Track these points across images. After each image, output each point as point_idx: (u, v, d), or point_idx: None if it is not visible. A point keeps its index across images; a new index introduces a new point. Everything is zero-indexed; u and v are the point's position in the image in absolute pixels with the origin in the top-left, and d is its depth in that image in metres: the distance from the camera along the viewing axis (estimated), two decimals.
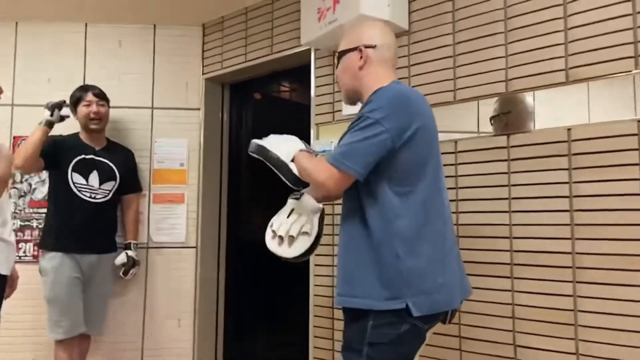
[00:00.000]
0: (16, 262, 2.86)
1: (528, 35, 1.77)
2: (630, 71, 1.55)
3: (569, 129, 1.66)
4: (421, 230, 1.35)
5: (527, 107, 1.78)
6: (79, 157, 2.64)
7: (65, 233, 2.55)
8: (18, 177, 2.99)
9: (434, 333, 1.86)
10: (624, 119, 1.56)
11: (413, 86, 2.07)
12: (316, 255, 2.41)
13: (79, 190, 2.61)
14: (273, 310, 3.04)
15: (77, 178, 2.62)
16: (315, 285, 2.40)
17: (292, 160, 1.48)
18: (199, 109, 3.06)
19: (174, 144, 3.05)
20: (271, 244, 1.56)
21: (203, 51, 3.10)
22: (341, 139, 1.41)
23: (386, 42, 1.50)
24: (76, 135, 2.74)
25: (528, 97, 1.77)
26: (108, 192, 2.69)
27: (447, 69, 1.98)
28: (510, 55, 1.81)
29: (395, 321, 1.30)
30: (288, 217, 1.54)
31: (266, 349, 3.11)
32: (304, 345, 2.42)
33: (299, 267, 2.45)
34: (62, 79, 3.05)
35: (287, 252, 1.51)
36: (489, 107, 1.86)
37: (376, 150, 1.32)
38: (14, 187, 2.98)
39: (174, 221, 3.00)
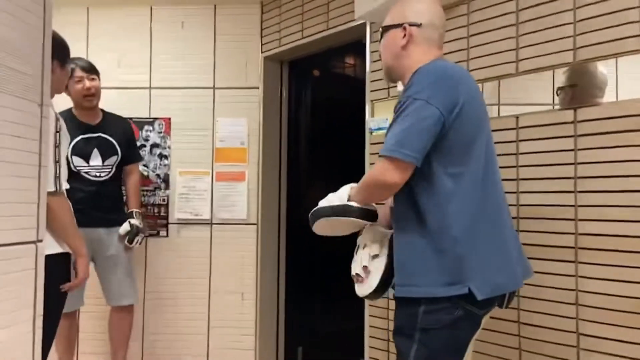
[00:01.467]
0: None
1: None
2: None
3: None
4: (477, 211, 1.31)
5: (597, 79, 1.62)
6: (76, 140, 2.59)
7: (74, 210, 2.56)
8: None
9: (491, 317, 1.80)
10: None
11: (472, 58, 1.96)
12: None
13: (83, 173, 2.60)
14: (332, 284, 3.05)
15: (78, 161, 2.59)
16: None
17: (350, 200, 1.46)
18: (258, 88, 3.08)
19: (234, 122, 3.10)
20: (356, 288, 1.50)
21: (262, 29, 3.10)
22: (390, 128, 1.34)
23: (433, 21, 1.42)
24: (69, 112, 2.66)
25: (598, 71, 1.61)
26: (111, 167, 2.68)
27: (509, 38, 1.84)
28: (579, 21, 1.65)
29: (449, 307, 1.28)
30: (356, 253, 1.51)
31: (326, 321, 3.15)
32: (362, 317, 2.41)
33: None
34: (131, 61, 3.18)
35: (367, 286, 1.44)
36: (555, 80, 1.72)
37: (430, 131, 1.26)
38: None
39: (236, 198, 3.07)
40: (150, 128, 3.14)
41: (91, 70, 2.65)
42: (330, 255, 3.09)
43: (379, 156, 1.32)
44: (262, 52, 3.09)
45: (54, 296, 1.53)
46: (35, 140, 1.28)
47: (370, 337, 2.35)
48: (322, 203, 1.49)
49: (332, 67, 3.07)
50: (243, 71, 3.12)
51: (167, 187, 3.12)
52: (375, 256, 1.42)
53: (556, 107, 1.71)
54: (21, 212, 1.23)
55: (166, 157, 3.14)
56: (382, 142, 2.19)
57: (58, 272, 1.79)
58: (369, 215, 1.44)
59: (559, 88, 1.71)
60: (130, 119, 3.11)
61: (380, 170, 1.30)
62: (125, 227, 2.69)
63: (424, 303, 1.29)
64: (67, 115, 2.63)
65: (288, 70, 3.21)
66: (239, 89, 3.11)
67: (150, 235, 3.09)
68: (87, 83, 2.59)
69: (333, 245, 3.08)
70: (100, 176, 2.64)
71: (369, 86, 2.41)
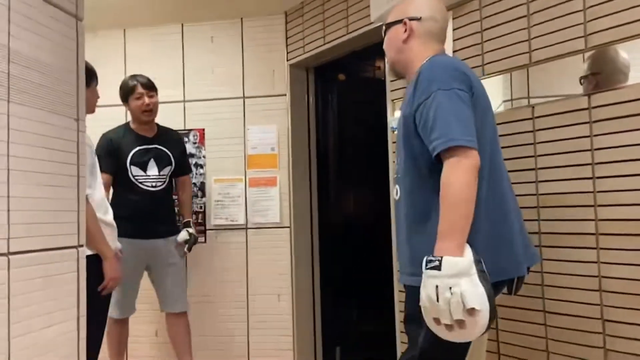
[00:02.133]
0: None
1: None
2: None
3: None
4: (484, 199, 1.33)
5: (620, 64, 1.61)
6: (134, 150, 2.73)
7: (130, 221, 2.57)
8: None
9: (517, 307, 1.81)
10: None
11: (486, 51, 1.98)
12: None
13: (140, 182, 2.72)
14: (366, 284, 3.10)
15: (136, 171, 2.72)
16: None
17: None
18: (285, 95, 3.18)
19: (264, 130, 3.21)
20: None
21: (286, 38, 3.20)
22: (426, 125, 1.30)
23: (433, 15, 1.47)
24: (127, 126, 2.83)
25: (620, 55, 1.60)
26: (165, 176, 2.80)
27: (521, 29, 1.86)
28: (589, 7, 1.65)
29: None
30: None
31: (363, 321, 3.19)
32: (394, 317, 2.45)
33: (388, 244, 2.48)
34: (165, 77, 3.34)
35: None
36: (567, 68, 1.72)
37: (470, 112, 1.28)
38: None
39: (269, 203, 3.17)
40: (186, 139, 3.29)
41: (150, 87, 2.80)
42: (363, 255, 3.15)
43: (435, 156, 1.27)
44: (287, 60, 3.19)
45: (94, 296, 1.65)
46: (73, 152, 1.40)
47: (402, 342, 2.38)
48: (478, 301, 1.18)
49: (355, 71, 3.14)
50: (270, 80, 3.23)
51: (203, 195, 3.26)
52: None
53: (560, 97, 1.72)
54: (63, 219, 1.35)
55: (202, 166, 3.28)
56: None
57: (93, 273, 1.91)
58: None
59: (582, 77, 1.70)
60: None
61: (456, 160, 1.22)
62: (183, 236, 2.82)
63: None
64: (125, 128, 2.83)
65: (314, 77, 3.30)
66: (267, 97, 3.22)
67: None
68: (147, 99, 2.74)
69: (365, 245, 3.14)
70: (156, 186, 2.75)
71: (389, 86, 2.46)
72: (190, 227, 2.87)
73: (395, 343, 2.41)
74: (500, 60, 1.92)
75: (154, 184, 2.74)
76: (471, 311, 1.16)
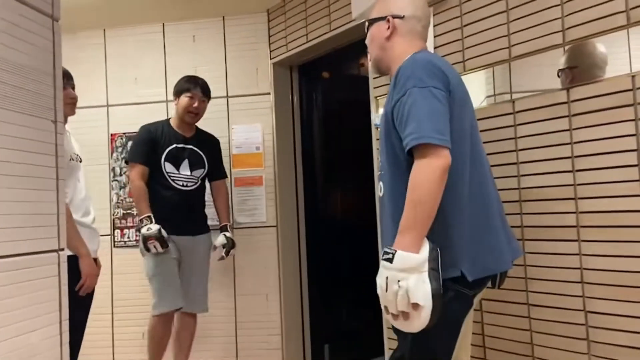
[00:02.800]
0: (121, 246, 3.23)
1: None
2: None
3: (632, 76, 1.51)
4: (466, 195, 1.34)
5: (597, 58, 1.63)
6: (170, 147, 2.74)
7: (163, 217, 2.65)
8: (118, 171, 3.31)
9: (501, 301, 1.83)
10: None
11: (467, 47, 1.99)
12: None
13: (172, 180, 2.72)
14: (353, 282, 3.11)
15: (170, 167, 2.73)
16: None
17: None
18: (269, 93, 3.17)
19: (249, 129, 3.20)
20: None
21: (269, 36, 3.19)
22: (401, 122, 1.31)
23: (416, 13, 1.48)
24: (167, 122, 2.84)
25: (597, 49, 1.62)
26: (197, 178, 2.80)
27: (500, 25, 1.87)
28: (566, 2, 1.67)
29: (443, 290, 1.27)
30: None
31: (351, 318, 3.20)
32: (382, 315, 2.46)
33: (375, 242, 2.49)
34: (147, 76, 3.32)
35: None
36: (547, 62, 1.74)
37: (445, 110, 1.28)
38: (115, 180, 3.31)
39: (255, 202, 3.17)
40: None
41: (205, 93, 2.80)
42: (351, 253, 3.16)
43: (407, 151, 1.29)
44: (271, 59, 3.18)
45: (72, 298, 1.64)
46: (52, 155, 1.38)
47: (390, 338, 2.39)
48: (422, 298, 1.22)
49: (339, 68, 3.14)
50: (254, 78, 3.22)
51: None
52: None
53: (538, 91, 1.74)
54: (43, 222, 1.33)
55: None
56: None
57: (70, 274, 1.89)
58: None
59: (559, 70, 1.73)
60: (153, 124, 3.24)
61: (426, 161, 1.23)
62: (222, 240, 2.82)
63: None
64: (165, 123, 2.82)
65: (298, 75, 3.30)
66: (251, 95, 3.21)
67: None
68: (197, 103, 2.74)
69: (353, 243, 3.14)
70: (186, 186, 2.75)
71: (372, 83, 2.47)
72: (227, 231, 2.86)
73: (383, 341, 2.42)
74: (481, 55, 1.94)
75: (184, 183, 2.74)
76: (415, 306, 1.20)
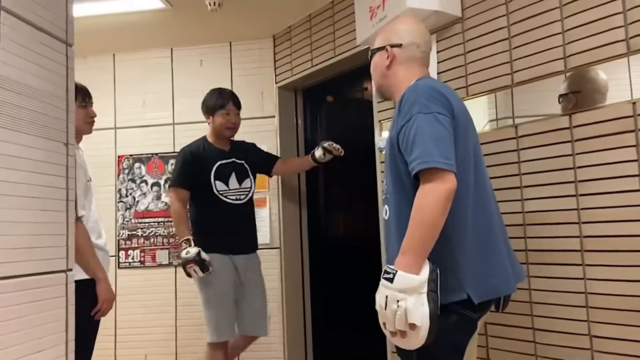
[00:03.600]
0: (125, 267, 3.24)
1: (584, 8, 1.66)
2: None
3: (633, 103, 1.53)
4: (470, 218, 1.35)
5: (598, 84, 1.66)
6: (217, 165, 2.66)
7: (218, 236, 2.57)
8: (124, 192, 3.34)
9: (506, 325, 1.83)
10: None
11: (470, 73, 2.03)
12: None
13: (224, 196, 2.64)
14: (357, 304, 3.09)
15: (220, 185, 2.65)
16: None
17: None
18: (274, 116, 3.22)
19: None
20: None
21: (275, 61, 3.25)
22: (407, 148, 1.32)
23: (414, 41, 1.51)
24: (206, 140, 2.76)
25: (599, 75, 1.65)
26: (247, 190, 2.72)
27: (503, 52, 1.91)
28: (567, 30, 1.71)
29: (445, 313, 1.28)
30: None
31: (352, 341, 3.17)
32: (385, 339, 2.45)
33: (379, 265, 2.49)
34: (155, 100, 3.38)
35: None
36: (549, 88, 1.77)
37: (450, 134, 1.30)
38: (121, 201, 3.34)
39: (259, 224, 3.16)
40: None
41: (239, 106, 2.75)
42: (354, 276, 3.15)
43: (413, 175, 1.30)
44: (276, 83, 3.23)
45: (83, 321, 1.64)
46: (62, 176, 1.41)
47: None
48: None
49: (343, 92, 3.18)
50: (259, 102, 3.27)
51: None
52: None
53: (541, 116, 1.77)
54: (51, 243, 1.35)
55: None
56: None
57: (84, 297, 1.89)
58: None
59: (561, 95, 1.75)
60: (156, 154, 3.30)
61: (432, 185, 1.24)
62: (319, 153, 2.67)
63: None
64: (204, 142, 2.75)
65: (302, 98, 3.34)
66: (256, 118, 3.25)
67: (179, 264, 3.21)
68: (233, 118, 2.70)
69: (356, 265, 3.14)
70: (239, 199, 2.67)
71: (376, 107, 2.50)
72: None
73: None
74: (484, 81, 1.97)
75: (237, 197, 2.67)
76: (412, 325, 1.22)
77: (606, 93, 1.64)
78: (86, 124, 2.12)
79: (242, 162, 2.74)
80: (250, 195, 2.72)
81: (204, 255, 2.46)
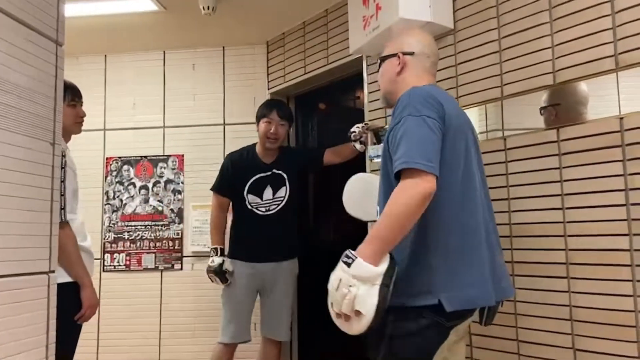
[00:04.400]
0: (110, 270, 3.21)
1: (574, 23, 1.68)
2: None
3: (621, 118, 1.55)
4: (453, 225, 1.35)
5: (580, 96, 1.68)
6: (253, 179, 2.67)
7: (244, 244, 2.66)
8: (111, 194, 3.32)
9: (491, 336, 1.83)
10: None
11: (461, 85, 2.04)
12: None
13: (255, 208, 2.66)
14: None
15: (252, 198, 2.66)
16: None
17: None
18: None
19: None
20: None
21: (268, 67, 3.25)
22: (393, 148, 1.35)
23: (424, 51, 1.56)
24: (253, 148, 2.77)
25: (579, 88, 1.68)
26: (281, 199, 2.69)
27: (493, 64, 1.93)
28: (557, 45, 1.73)
29: (415, 316, 1.31)
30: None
31: (339, 348, 3.16)
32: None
33: None
34: (145, 103, 3.36)
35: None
36: (539, 101, 1.79)
37: (437, 139, 1.32)
38: (108, 203, 3.31)
39: None
40: (165, 165, 3.29)
41: (283, 116, 2.70)
42: None
43: (395, 175, 1.30)
44: (268, 89, 3.23)
45: (65, 324, 1.61)
46: (48, 176, 1.39)
47: None
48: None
49: (335, 100, 3.19)
50: (251, 107, 3.25)
51: (181, 221, 3.24)
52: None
53: (530, 129, 1.79)
54: (34, 244, 1.32)
55: (180, 192, 3.27)
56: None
57: (68, 300, 1.87)
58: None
59: (542, 108, 1.78)
60: (145, 157, 3.28)
61: (410, 182, 1.25)
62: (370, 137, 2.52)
63: (392, 312, 1.30)
64: (250, 150, 2.76)
65: (294, 105, 3.34)
66: (247, 124, 3.24)
67: (165, 268, 3.20)
68: (274, 128, 2.64)
69: None
70: (269, 210, 2.66)
71: (367, 115, 2.51)
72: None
73: None
74: (475, 93, 1.99)
75: (267, 207, 2.67)
76: (357, 312, 1.25)
77: (587, 104, 1.67)
78: (75, 124, 2.10)
79: (282, 172, 2.71)
80: (282, 204, 2.68)
81: (226, 266, 2.57)
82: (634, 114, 1.53)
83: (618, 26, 1.57)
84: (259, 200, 2.66)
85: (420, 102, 1.35)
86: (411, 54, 1.55)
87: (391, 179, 1.37)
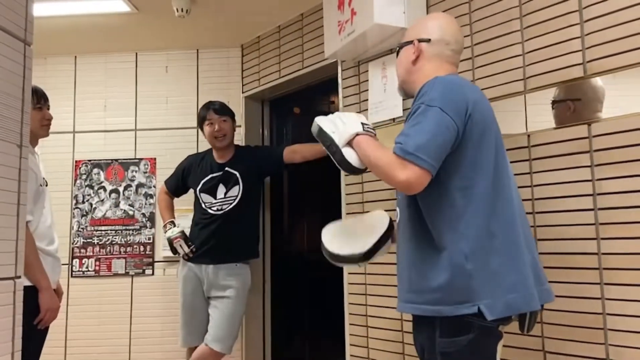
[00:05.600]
0: (79, 276, 3.14)
1: (544, 31, 1.72)
2: None
3: (588, 124, 1.59)
4: (487, 228, 1.27)
5: (599, 93, 1.59)
6: (205, 179, 2.69)
7: (194, 244, 2.64)
8: (80, 198, 3.24)
9: (517, 347, 1.72)
10: None
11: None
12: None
13: (208, 208, 2.67)
14: (316, 316, 3.08)
15: (206, 198, 2.68)
16: (350, 293, 2.42)
17: (350, 144, 1.39)
18: (240, 126, 3.19)
19: None
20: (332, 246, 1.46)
21: (242, 71, 3.24)
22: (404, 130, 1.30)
23: (444, 37, 1.44)
24: (211, 150, 2.78)
25: (599, 84, 1.59)
26: (234, 198, 2.65)
27: (466, 70, 1.96)
28: (527, 53, 1.77)
29: (463, 327, 1.24)
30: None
31: (311, 354, 3.15)
32: (344, 350, 2.44)
33: (339, 275, 2.49)
34: (117, 105, 3.30)
35: (361, 244, 1.39)
36: (510, 108, 1.82)
37: (448, 143, 1.25)
38: (77, 207, 3.23)
39: None
40: (136, 168, 3.23)
41: (223, 112, 2.69)
42: (316, 289, 3.14)
43: (394, 152, 1.26)
44: (243, 92, 3.22)
45: (26, 330, 1.57)
46: (15, 179, 1.35)
47: None
48: (327, 126, 1.45)
49: (310, 104, 3.19)
50: None
51: (152, 225, 3.19)
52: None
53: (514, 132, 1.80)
54: (1, 249, 1.28)
55: (151, 196, 3.21)
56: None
57: (27, 305, 1.81)
58: (358, 172, 1.44)
59: (554, 102, 1.70)
60: (116, 160, 3.22)
61: (401, 169, 1.23)
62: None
63: (438, 325, 1.27)
64: (207, 153, 2.81)
65: (269, 109, 3.34)
66: None
67: (136, 274, 3.14)
68: (217, 125, 2.65)
69: (318, 278, 3.13)
70: (222, 209, 2.64)
71: None
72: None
73: None
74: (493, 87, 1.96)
75: (219, 207, 2.65)
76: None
77: (603, 101, 1.59)
78: (42, 127, 2.07)
79: (234, 171, 2.68)
80: (235, 203, 2.64)
81: (186, 232, 2.69)
82: (601, 121, 1.57)
83: (587, 35, 1.61)
84: (212, 199, 2.67)
85: (440, 92, 1.28)
86: (427, 40, 1.44)
87: None
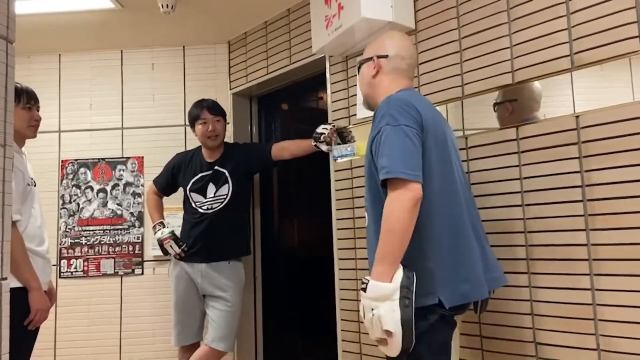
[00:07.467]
0: (67, 277, 3.10)
1: (531, 24, 1.72)
2: (637, 51, 1.48)
3: (577, 116, 1.60)
4: (441, 225, 1.39)
5: (534, 93, 1.73)
6: (195, 178, 2.67)
7: (185, 243, 2.61)
8: (67, 198, 3.20)
9: (506, 340, 1.78)
10: (631, 102, 1.49)
11: (422, 84, 2.07)
12: (340, 259, 2.42)
13: (198, 207, 2.64)
14: (308, 312, 3.07)
15: (196, 197, 2.65)
16: (341, 289, 2.41)
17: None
18: (228, 123, 3.16)
19: None
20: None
21: (229, 67, 3.21)
22: (375, 159, 1.39)
23: (400, 53, 1.58)
24: (200, 148, 2.75)
25: (535, 85, 1.72)
26: (223, 197, 2.63)
27: (454, 64, 1.96)
28: (515, 45, 1.77)
29: (424, 314, 1.34)
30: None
31: (303, 350, 3.15)
32: (336, 346, 2.43)
33: (330, 271, 2.48)
34: (103, 103, 3.26)
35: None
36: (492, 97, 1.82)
37: (419, 150, 1.36)
38: (64, 208, 3.19)
39: None
40: (124, 167, 3.20)
41: (217, 112, 2.67)
42: (306, 286, 3.13)
43: (382, 186, 1.35)
44: (230, 89, 3.19)
45: (16, 332, 1.54)
46: None
47: None
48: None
49: (298, 101, 3.17)
50: None
51: (141, 224, 3.16)
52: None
53: (490, 128, 1.82)
54: None
55: (140, 195, 3.18)
56: (346, 169, 2.26)
57: (17, 306, 1.80)
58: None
59: (496, 104, 1.83)
60: (103, 159, 3.19)
61: (396, 194, 1.30)
62: (320, 129, 2.39)
63: None
64: (196, 151, 2.76)
65: (257, 105, 3.31)
66: None
67: (125, 273, 3.11)
68: (210, 125, 2.62)
69: (308, 276, 3.12)
70: (212, 208, 2.62)
71: (331, 115, 2.51)
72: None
73: None
74: (436, 92, 2.01)
75: (209, 206, 2.63)
76: (388, 332, 1.28)
77: (540, 101, 1.72)
78: (29, 127, 2.05)
79: (223, 169, 2.65)
80: (225, 202, 2.62)
81: (176, 233, 2.66)
82: (589, 112, 1.57)
83: (573, 27, 1.62)
84: (202, 198, 2.65)
85: (397, 110, 1.38)
86: (385, 56, 1.58)
87: (378, 186, 1.40)
